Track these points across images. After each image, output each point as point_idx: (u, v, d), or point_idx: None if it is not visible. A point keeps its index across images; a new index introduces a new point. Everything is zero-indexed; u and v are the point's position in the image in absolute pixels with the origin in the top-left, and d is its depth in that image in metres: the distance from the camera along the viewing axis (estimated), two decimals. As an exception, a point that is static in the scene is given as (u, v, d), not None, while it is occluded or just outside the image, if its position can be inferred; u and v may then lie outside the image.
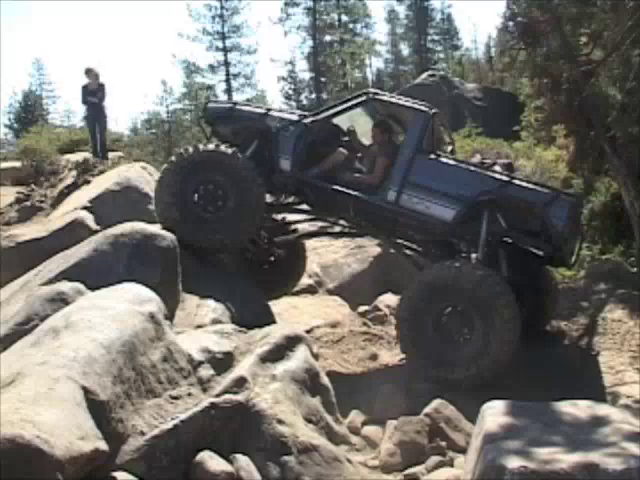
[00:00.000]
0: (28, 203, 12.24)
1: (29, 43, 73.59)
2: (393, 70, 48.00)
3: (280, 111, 8.66)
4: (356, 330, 8.88)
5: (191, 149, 7.94)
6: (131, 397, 4.31)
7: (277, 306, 8.96)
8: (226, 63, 37.00)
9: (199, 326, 6.56)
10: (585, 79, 10.18)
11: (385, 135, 8.27)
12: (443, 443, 5.73)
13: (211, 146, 8.00)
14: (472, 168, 7.86)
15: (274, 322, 7.41)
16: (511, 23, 11.13)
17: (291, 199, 8.91)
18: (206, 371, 5.01)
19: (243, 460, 4.44)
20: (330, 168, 8.11)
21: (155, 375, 4.59)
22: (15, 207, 12.32)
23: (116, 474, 3.95)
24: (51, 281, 6.29)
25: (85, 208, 10.61)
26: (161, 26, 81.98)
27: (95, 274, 6.11)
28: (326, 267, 11.53)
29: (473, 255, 7.66)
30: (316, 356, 6.59)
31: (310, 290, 10.87)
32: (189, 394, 4.71)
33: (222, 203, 7.82)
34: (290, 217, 9.47)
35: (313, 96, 37.89)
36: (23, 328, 5.30)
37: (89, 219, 10.30)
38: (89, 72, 13.74)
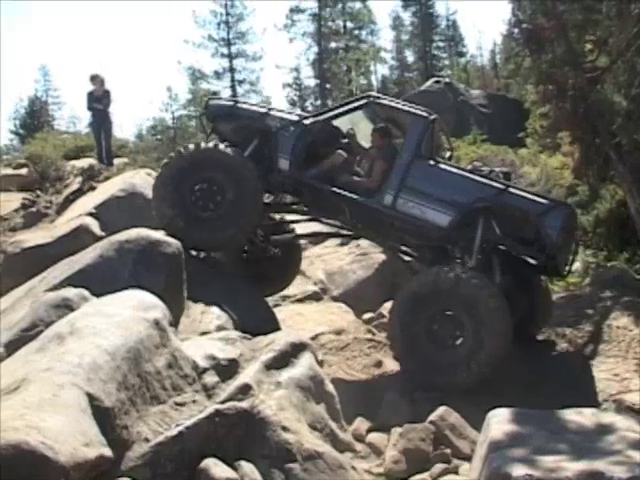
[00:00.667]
0: (33, 209, 12.31)
1: (35, 49, 74.11)
2: (398, 77, 47.92)
3: (281, 111, 8.67)
4: (361, 337, 8.86)
5: (192, 146, 7.99)
6: (136, 404, 4.30)
7: (282, 313, 8.97)
8: (231, 69, 37.02)
9: (204, 333, 6.55)
10: (590, 86, 10.20)
11: (384, 139, 8.27)
12: (448, 450, 5.69)
13: (211, 144, 8.02)
14: (469, 175, 7.87)
15: (279, 329, 7.39)
16: (516, 30, 11.18)
17: (289, 199, 8.95)
18: (211, 378, 4.98)
19: (248, 467, 4.42)
20: (328, 169, 8.13)
21: (160, 382, 4.58)
22: (20, 213, 12.40)
23: (120, 480, 3.95)
24: (56, 287, 6.28)
25: (90, 214, 10.67)
26: (166, 32, 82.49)
27: (100, 280, 6.09)
28: (331, 274, 11.52)
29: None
30: (321, 363, 6.58)
31: (315, 297, 10.86)
32: (194, 401, 4.69)
33: (220, 199, 7.83)
34: (288, 217, 9.49)
35: (318, 103, 37.87)
36: (28, 334, 5.28)
37: (94, 225, 10.35)
38: (94, 78, 13.81)
